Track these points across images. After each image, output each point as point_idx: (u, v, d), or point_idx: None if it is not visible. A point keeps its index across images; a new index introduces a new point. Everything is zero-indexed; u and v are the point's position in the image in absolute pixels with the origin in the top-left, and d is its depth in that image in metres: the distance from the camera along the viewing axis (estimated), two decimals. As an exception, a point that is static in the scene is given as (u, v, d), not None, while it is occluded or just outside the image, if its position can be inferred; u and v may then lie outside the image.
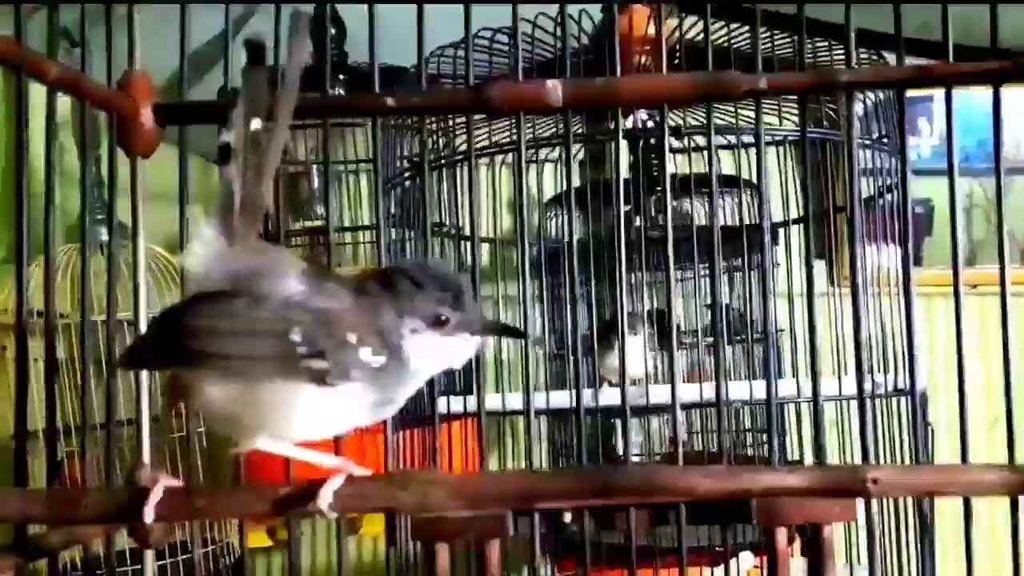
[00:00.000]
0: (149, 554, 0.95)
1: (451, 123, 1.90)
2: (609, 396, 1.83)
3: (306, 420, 0.79)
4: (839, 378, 1.78)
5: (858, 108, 1.78)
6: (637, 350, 1.90)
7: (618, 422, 2.01)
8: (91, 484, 0.99)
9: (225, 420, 0.79)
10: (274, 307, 0.76)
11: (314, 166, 2.37)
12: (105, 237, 0.99)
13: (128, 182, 0.99)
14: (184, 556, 1.94)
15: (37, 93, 0.93)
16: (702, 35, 1.72)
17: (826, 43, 1.68)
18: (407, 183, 1.94)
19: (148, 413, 0.98)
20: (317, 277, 0.80)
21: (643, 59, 1.90)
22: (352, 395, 0.79)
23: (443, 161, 1.87)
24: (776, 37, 1.72)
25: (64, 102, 0.96)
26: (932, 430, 1.81)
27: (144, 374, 0.97)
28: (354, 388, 0.78)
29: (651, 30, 1.84)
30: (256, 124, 0.78)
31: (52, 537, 0.91)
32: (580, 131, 2.01)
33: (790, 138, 1.84)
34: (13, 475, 0.91)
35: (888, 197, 1.88)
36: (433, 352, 0.82)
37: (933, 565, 1.68)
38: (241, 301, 0.76)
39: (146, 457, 0.97)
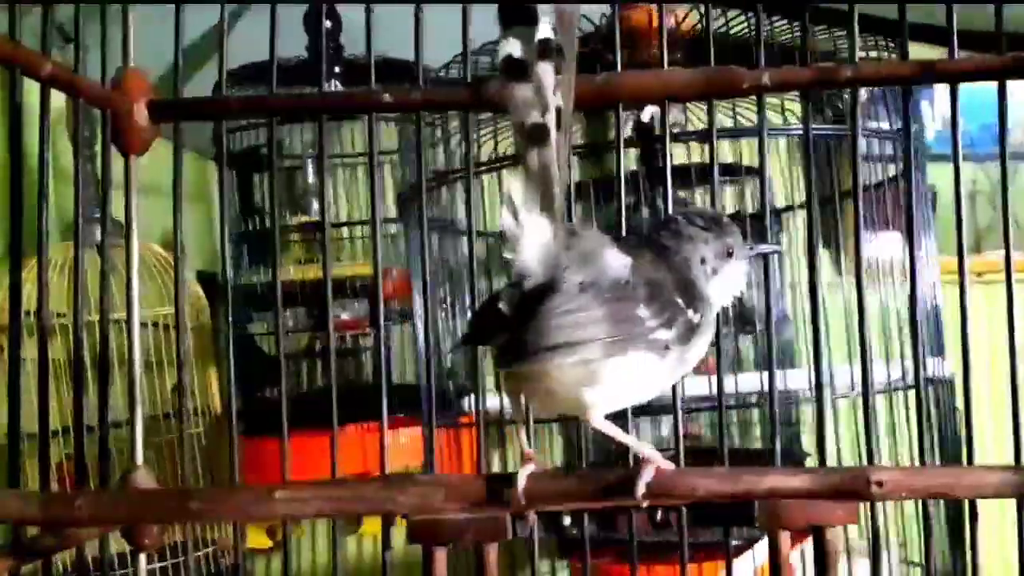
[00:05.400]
0: (142, 557, 0.95)
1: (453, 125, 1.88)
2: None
3: (640, 390, 0.82)
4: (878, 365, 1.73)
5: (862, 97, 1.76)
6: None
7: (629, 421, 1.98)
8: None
9: (561, 402, 0.81)
10: (611, 287, 0.78)
11: (309, 160, 2.35)
12: (99, 236, 0.98)
13: (120, 179, 0.98)
14: (184, 558, 1.91)
15: (32, 90, 0.92)
16: (723, 27, 1.70)
17: (842, 32, 1.66)
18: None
19: (142, 414, 0.97)
20: (622, 245, 0.83)
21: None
22: (673, 357, 0.81)
23: (458, 176, 1.86)
24: (794, 27, 1.70)
25: (59, 99, 0.95)
26: (958, 414, 1.78)
27: (138, 375, 0.96)
28: (676, 350, 0.81)
29: (671, 23, 1.81)
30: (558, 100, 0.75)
31: (46, 539, 0.91)
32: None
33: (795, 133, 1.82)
34: (7, 476, 0.90)
35: (894, 186, 1.87)
36: (729, 286, 0.87)
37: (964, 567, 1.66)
38: (575, 287, 0.77)
39: (139, 459, 0.96)
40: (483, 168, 1.83)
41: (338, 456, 0.98)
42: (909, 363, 1.74)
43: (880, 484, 0.85)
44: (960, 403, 1.73)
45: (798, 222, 2.25)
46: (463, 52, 1.00)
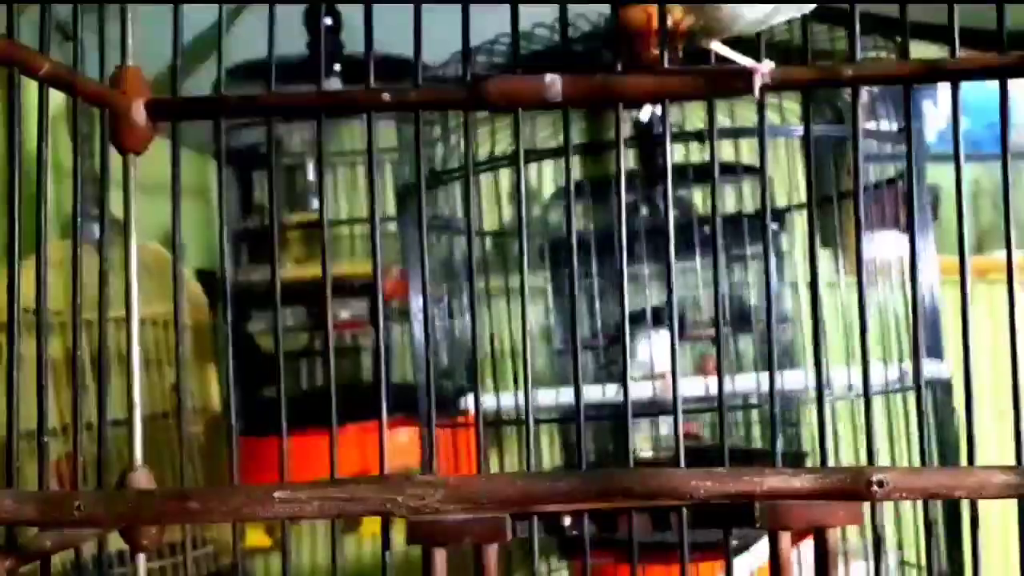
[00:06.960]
0: (141, 557, 0.94)
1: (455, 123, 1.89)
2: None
3: None
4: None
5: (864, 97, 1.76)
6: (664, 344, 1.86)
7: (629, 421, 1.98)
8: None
9: None
10: None
11: (309, 158, 2.35)
12: (96, 234, 0.97)
13: (117, 176, 0.97)
14: (182, 557, 1.90)
15: (30, 87, 0.91)
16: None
17: (842, 32, 1.66)
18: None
19: (140, 415, 0.96)
20: None
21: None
22: None
23: (456, 175, 1.87)
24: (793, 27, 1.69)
25: (58, 96, 0.95)
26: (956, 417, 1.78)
27: (137, 373, 0.96)
28: None
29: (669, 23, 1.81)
30: None
31: (44, 539, 0.90)
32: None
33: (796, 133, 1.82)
34: (5, 476, 0.89)
35: (894, 186, 1.87)
36: None
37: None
38: None
39: (139, 459, 0.96)
40: (483, 167, 1.83)
41: (337, 456, 0.98)
42: (906, 365, 1.74)
43: (881, 484, 0.85)
44: (958, 404, 1.75)
45: (799, 222, 2.25)
46: (463, 51, 0.99)
